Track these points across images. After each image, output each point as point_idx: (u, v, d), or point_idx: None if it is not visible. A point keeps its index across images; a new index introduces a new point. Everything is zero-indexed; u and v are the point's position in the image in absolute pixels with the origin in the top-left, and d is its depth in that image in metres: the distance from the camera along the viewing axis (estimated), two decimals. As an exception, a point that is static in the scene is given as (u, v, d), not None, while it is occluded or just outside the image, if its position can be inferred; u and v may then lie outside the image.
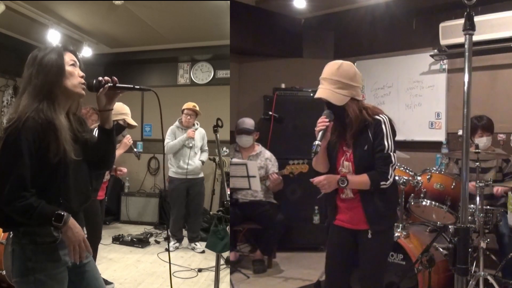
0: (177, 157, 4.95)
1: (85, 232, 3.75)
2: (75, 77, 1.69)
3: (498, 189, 3.46)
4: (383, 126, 2.16)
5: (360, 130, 2.19)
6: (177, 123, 5.00)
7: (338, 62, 2.18)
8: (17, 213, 1.54)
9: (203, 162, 5.06)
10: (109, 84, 1.71)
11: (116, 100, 1.77)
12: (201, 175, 5.13)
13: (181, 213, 5.11)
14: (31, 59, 1.69)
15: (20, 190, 1.52)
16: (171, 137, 4.93)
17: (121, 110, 3.52)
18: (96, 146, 1.76)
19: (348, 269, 2.37)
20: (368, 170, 2.17)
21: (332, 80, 2.13)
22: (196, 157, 5.01)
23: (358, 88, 2.17)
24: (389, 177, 2.14)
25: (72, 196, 1.66)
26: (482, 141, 3.52)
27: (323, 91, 2.14)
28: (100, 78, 1.71)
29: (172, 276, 4.11)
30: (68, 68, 1.68)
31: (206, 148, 5.17)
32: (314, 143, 2.12)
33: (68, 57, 1.70)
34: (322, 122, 2.15)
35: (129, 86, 1.75)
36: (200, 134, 5.06)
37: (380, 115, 2.19)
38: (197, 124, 5.08)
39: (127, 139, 3.65)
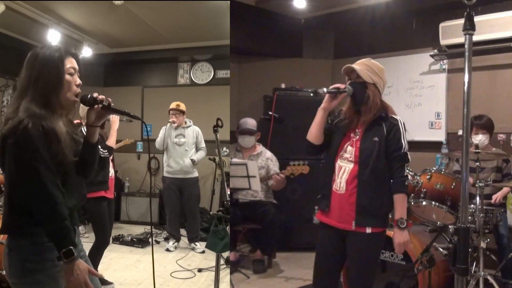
0: (168, 155, 4.93)
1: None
2: (72, 88, 1.68)
3: (496, 198, 3.46)
4: (400, 126, 2.21)
5: (374, 120, 2.22)
6: (168, 124, 4.95)
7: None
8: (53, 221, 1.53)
9: (193, 161, 4.90)
10: (103, 104, 1.70)
11: (104, 119, 1.77)
12: (194, 175, 5.00)
13: (174, 212, 5.04)
14: (31, 58, 1.66)
15: (56, 191, 1.54)
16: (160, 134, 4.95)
17: None
18: (80, 156, 1.76)
19: (336, 271, 2.33)
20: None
21: (364, 64, 2.23)
22: (187, 155, 4.90)
23: (382, 83, 2.24)
24: (405, 174, 2.18)
25: (69, 196, 1.67)
26: (477, 138, 3.52)
27: (355, 65, 2.21)
28: (96, 95, 1.69)
29: (171, 276, 4.12)
30: (67, 77, 1.67)
31: (203, 145, 5.04)
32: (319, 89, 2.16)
33: (69, 63, 1.69)
34: (339, 85, 2.20)
35: (122, 110, 1.75)
36: (193, 132, 4.98)
37: (397, 117, 2.25)
38: (190, 122, 5.03)
39: (112, 117, 3.52)
